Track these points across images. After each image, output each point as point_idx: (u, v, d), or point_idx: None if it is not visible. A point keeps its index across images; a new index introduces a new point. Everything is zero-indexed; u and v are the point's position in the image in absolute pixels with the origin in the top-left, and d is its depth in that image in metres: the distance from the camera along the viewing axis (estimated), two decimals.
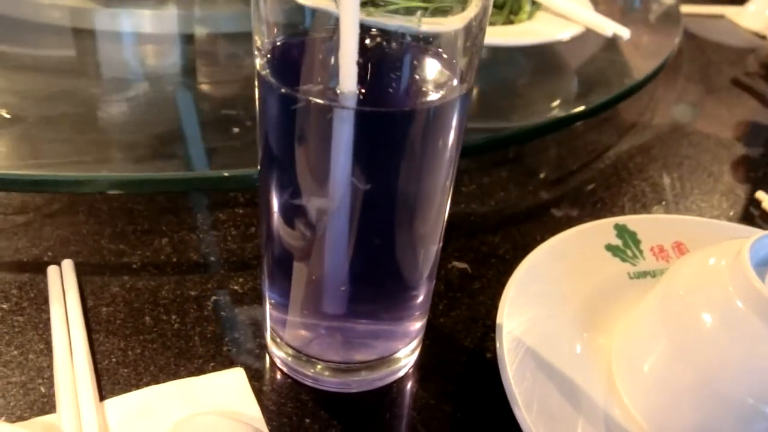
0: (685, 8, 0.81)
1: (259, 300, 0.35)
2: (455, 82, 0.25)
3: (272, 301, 0.31)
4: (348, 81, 0.23)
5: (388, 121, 0.24)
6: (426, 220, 0.28)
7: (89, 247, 0.38)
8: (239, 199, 0.43)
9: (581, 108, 0.53)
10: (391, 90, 0.25)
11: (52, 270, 0.35)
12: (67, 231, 0.39)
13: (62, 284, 0.34)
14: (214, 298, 0.35)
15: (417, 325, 0.31)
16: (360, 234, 0.26)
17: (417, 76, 0.25)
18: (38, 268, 0.35)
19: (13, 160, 0.44)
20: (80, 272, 0.35)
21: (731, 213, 0.48)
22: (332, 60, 0.24)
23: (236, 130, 0.49)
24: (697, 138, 0.58)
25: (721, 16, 0.86)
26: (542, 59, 0.66)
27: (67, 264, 0.35)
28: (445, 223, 0.30)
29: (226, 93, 0.56)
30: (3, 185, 0.40)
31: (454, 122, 0.25)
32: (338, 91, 0.23)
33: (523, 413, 0.27)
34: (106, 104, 0.52)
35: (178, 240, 0.39)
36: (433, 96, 0.25)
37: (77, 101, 0.52)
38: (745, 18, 0.85)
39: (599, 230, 0.38)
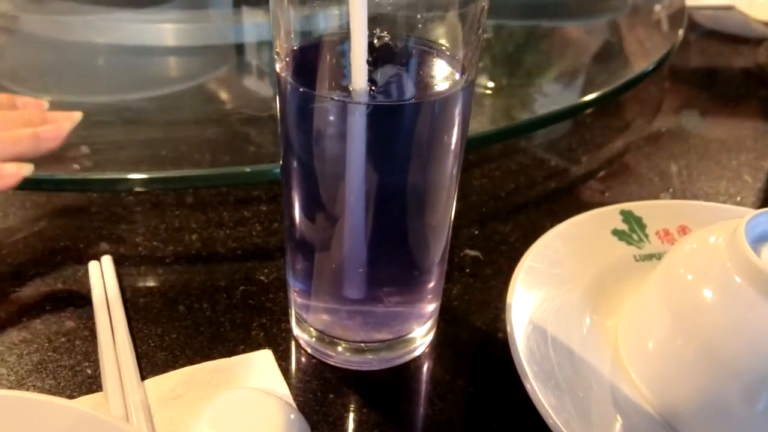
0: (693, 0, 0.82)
1: (283, 289, 0.37)
2: (457, 75, 0.27)
3: (296, 288, 0.33)
4: (359, 79, 0.26)
5: (398, 113, 0.26)
6: (436, 207, 0.30)
7: (126, 243, 0.40)
8: (263, 197, 0.46)
9: (583, 99, 0.54)
10: (398, 85, 0.27)
11: (92, 265, 0.38)
12: (105, 230, 0.42)
13: (102, 278, 0.37)
14: (242, 287, 0.37)
15: (431, 307, 0.33)
16: (375, 222, 0.29)
17: (422, 72, 0.28)
18: (80, 264, 0.38)
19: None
20: (118, 267, 0.38)
21: (738, 198, 0.49)
22: (345, 60, 0.26)
23: None
24: (705, 127, 0.59)
25: (731, 7, 0.87)
26: (545, 51, 0.68)
27: (107, 259, 0.38)
28: (453, 211, 0.32)
29: None
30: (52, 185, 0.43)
31: (458, 113, 0.27)
32: (351, 89, 0.26)
33: (533, 385, 0.29)
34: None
35: (207, 236, 0.42)
36: (438, 89, 0.27)
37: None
38: (755, 8, 0.85)
39: (606, 216, 0.40)
